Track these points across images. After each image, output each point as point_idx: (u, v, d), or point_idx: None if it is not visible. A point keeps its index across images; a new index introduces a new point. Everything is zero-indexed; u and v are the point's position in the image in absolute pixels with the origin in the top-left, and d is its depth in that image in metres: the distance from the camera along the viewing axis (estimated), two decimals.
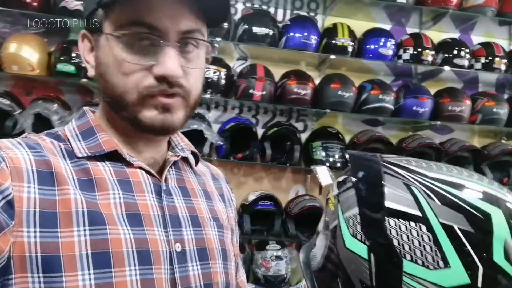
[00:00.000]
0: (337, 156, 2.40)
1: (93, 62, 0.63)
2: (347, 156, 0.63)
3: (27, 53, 2.21)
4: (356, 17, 2.59)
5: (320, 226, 0.67)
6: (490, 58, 2.51)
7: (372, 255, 0.52)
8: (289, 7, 2.61)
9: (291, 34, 2.33)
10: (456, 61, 2.49)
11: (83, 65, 2.23)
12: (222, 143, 2.28)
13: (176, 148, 0.72)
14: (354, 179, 0.58)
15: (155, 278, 0.58)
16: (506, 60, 2.51)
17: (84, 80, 2.22)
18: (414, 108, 2.45)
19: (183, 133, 0.76)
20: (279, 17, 2.58)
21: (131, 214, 0.59)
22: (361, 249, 0.53)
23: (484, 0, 2.44)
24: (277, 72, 2.45)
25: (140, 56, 0.58)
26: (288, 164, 2.42)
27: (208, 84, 2.24)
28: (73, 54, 2.24)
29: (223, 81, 2.28)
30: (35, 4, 2.24)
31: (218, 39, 2.24)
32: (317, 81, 2.49)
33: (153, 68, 0.58)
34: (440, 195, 0.51)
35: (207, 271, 0.65)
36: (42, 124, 2.18)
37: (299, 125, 2.61)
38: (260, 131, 2.52)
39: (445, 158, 2.49)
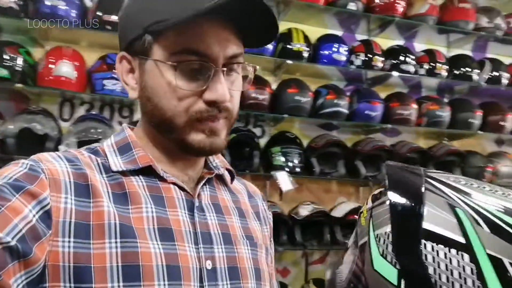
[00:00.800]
0: (296, 161, 2.39)
1: (133, 84, 0.64)
2: (384, 167, 0.56)
3: None
4: (309, 22, 2.62)
5: (350, 241, 0.61)
6: (432, 64, 2.66)
7: (402, 281, 0.46)
8: None
9: None
10: (403, 67, 2.61)
11: (40, 70, 2.01)
12: None
13: (211, 165, 0.72)
14: (389, 193, 0.51)
15: None
16: (446, 66, 2.68)
17: (19, 85, 1.99)
18: (367, 112, 2.52)
19: None
20: None
21: (163, 229, 0.59)
22: (390, 273, 0.47)
23: (426, 9, 2.58)
24: None
25: (191, 82, 0.59)
26: (247, 171, 2.36)
27: None
28: (6, 57, 1.99)
29: None
30: None
31: None
32: (273, 86, 2.46)
33: (203, 93, 0.59)
34: (490, 221, 0.44)
35: None
36: None
37: (257, 131, 2.56)
38: None
39: (396, 160, 2.58)
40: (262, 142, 2.51)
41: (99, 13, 2.08)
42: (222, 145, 0.63)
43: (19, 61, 2.01)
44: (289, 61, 2.33)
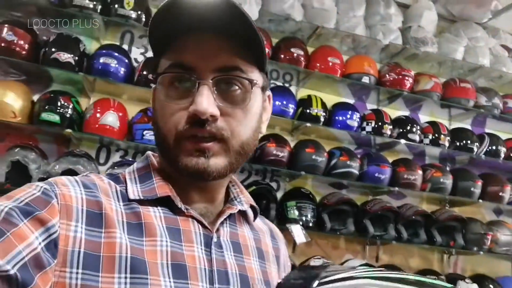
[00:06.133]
0: (309, 216, 2.55)
1: None
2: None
3: (11, 100, 2.17)
4: (325, 90, 2.91)
5: None
6: (436, 135, 2.91)
7: None
8: None
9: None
10: (409, 136, 2.85)
11: (87, 118, 2.24)
12: None
13: (235, 200, 0.69)
14: None
15: None
16: (449, 138, 2.93)
17: (69, 130, 2.21)
18: (376, 174, 2.72)
19: None
20: None
21: (176, 265, 0.55)
22: None
23: (431, 86, 2.88)
24: None
25: (179, 98, 0.57)
26: None
27: None
28: (59, 104, 2.23)
29: None
30: (24, 52, 2.24)
31: None
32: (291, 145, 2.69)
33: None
34: None
35: None
36: (19, 171, 2.10)
37: (273, 185, 2.75)
38: None
39: (401, 221, 2.75)
40: (277, 195, 2.69)
41: (144, 72, 2.36)
42: (212, 168, 0.58)
43: (70, 109, 2.26)
44: (308, 124, 2.58)
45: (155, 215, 0.58)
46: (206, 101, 0.55)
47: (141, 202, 0.59)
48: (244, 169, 2.72)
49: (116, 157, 2.52)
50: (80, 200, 0.54)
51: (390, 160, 2.88)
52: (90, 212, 0.53)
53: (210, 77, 0.56)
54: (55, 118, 2.20)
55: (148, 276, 0.52)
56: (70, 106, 2.26)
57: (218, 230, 0.62)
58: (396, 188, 2.76)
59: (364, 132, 2.78)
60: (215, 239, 0.61)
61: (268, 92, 0.68)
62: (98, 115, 2.27)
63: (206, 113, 0.55)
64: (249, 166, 2.66)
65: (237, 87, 0.59)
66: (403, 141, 2.79)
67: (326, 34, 2.80)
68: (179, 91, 0.57)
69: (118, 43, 2.61)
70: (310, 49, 2.79)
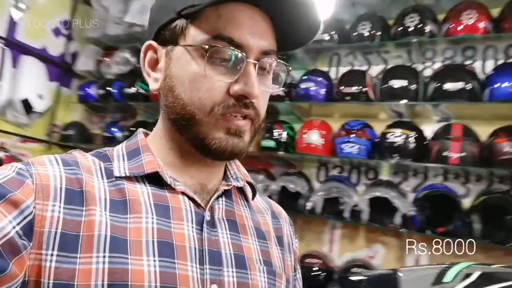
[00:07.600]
0: None
1: (157, 76, 0.59)
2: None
3: None
4: None
5: None
6: None
7: None
8: (501, 57, 2.22)
9: (496, 85, 1.96)
10: None
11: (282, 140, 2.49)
12: (414, 214, 2.03)
13: (231, 178, 0.65)
14: None
15: None
16: None
17: (281, 153, 2.49)
18: None
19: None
20: (489, 69, 2.22)
21: (163, 242, 0.52)
22: None
23: None
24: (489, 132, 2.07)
25: (221, 72, 0.55)
26: (506, 244, 1.89)
27: (394, 149, 2.10)
28: (274, 132, 2.55)
29: (411, 145, 2.09)
30: None
31: (404, 101, 2.13)
32: None
33: (232, 86, 0.54)
34: None
35: None
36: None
37: None
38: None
39: None
40: None
41: (341, 87, 2.37)
42: (244, 149, 0.56)
43: (283, 134, 2.54)
44: None
45: (142, 192, 0.56)
46: (254, 83, 0.54)
47: (128, 179, 0.57)
48: (482, 177, 2.16)
49: (333, 174, 2.58)
50: (59, 178, 0.51)
51: None
52: (70, 190, 0.51)
53: (256, 57, 0.56)
54: (271, 143, 2.54)
55: (128, 256, 0.50)
56: (284, 132, 2.55)
57: (212, 207, 0.59)
58: None
59: None
60: (208, 218, 0.58)
61: None
62: (304, 136, 2.44)
63: (255, 96, 0.55)
64: (487, 172, 2.10)
65: (270, 73, 0.59)
66: None
67: None
68: (221, 66, 0.55)
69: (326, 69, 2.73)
70: None
